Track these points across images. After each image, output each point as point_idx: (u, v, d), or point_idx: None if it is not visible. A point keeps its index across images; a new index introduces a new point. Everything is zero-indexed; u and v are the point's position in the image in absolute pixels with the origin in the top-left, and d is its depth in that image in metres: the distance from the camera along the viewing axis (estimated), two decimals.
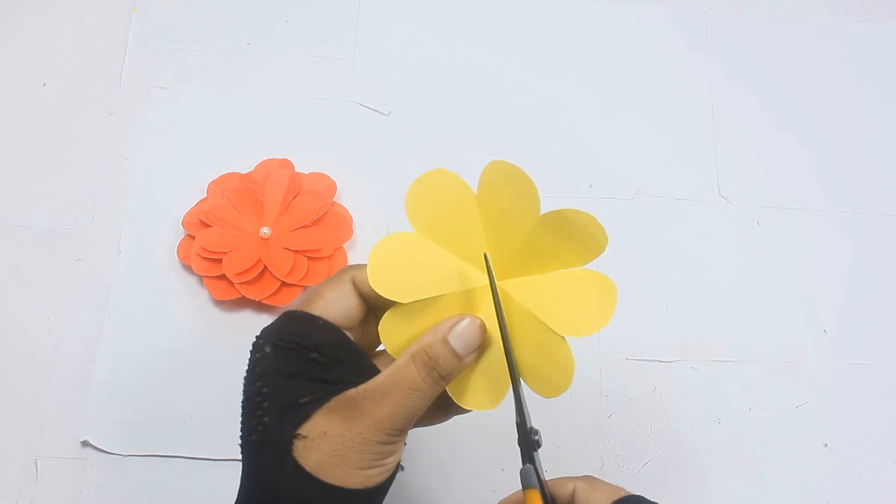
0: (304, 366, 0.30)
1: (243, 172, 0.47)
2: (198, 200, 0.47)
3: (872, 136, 0.52)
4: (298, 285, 0.45)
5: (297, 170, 0.48)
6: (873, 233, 0.49)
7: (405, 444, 0.31)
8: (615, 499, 0.30)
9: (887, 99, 0.53)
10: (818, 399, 0.45)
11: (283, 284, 0.45)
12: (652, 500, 0.31)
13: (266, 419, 0.29)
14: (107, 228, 0.47)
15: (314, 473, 0.28)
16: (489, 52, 0.52)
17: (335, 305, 0.31)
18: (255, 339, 0.31)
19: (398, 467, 0.31)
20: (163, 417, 0.43)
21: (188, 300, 0.45)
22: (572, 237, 0.29)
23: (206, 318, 0.45)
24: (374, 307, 0.32)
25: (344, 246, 0.46)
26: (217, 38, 0.52)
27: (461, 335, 0.30)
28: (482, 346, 0.30)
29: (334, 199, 0.47)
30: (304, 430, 0.28)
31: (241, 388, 0.32)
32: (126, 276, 0.46)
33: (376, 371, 0.30)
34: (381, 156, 0.49)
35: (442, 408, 0.33)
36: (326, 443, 0.28)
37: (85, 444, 0.42)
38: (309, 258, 0.45)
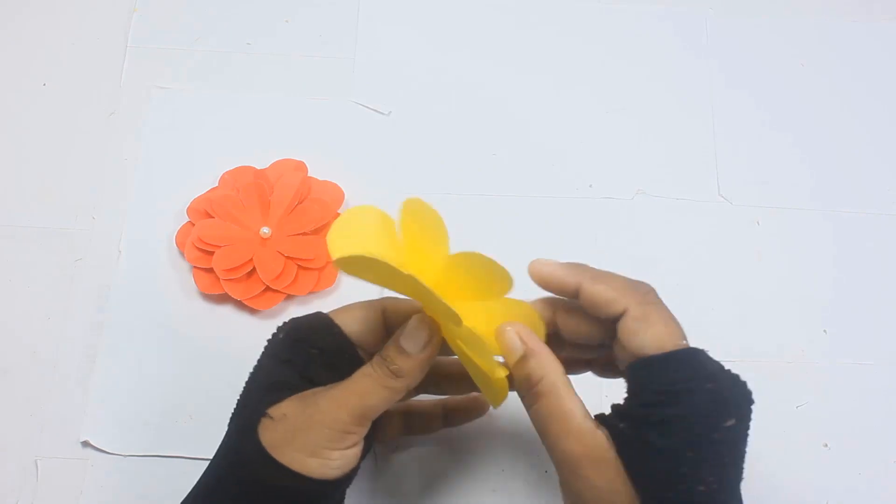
0: (299, 357, 0.32)
1: (258, 168, 0.47)
2: (207, 189, 0.47)
3: (873, 136, 0.52)
4: (282, 292, 0.44)
5: (309, 174, 0.47)
6: (873, 233, 0.49)
7: (362, 455, 0.32)
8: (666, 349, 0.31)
9: (887, 99, 0.53)
10: (818, 399, 0.45)
11: (268, 289, 0.44)
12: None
13: (250, 394, 0.32)
14: (107, 228, 0.47)
15: (268, 450, 0.30)
16: (489, 52, 0.52)
17: (358, 323, 0.33)
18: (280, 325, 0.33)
19: (351, 473, 0.31)
20: (163, 417, 0.43)
21: (181, 292, 0.45)
22: (480, 277, 0.31)
23: (199, 310, 0.45)
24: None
25: None
26: (217, 38, 0.52)
27: (407, 335, 0.32)
28: (432, 339, 0.32)
29: (339, 211, 0.47)
30: (273, 410, 0.30)
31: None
32: (126, 276, 0.46)
33: None
34: (381, 156, 0.49)
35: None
36: (284, 423, 0.30)
37: (85, 444, 0.42)
38: (300, 266, 0.44)
